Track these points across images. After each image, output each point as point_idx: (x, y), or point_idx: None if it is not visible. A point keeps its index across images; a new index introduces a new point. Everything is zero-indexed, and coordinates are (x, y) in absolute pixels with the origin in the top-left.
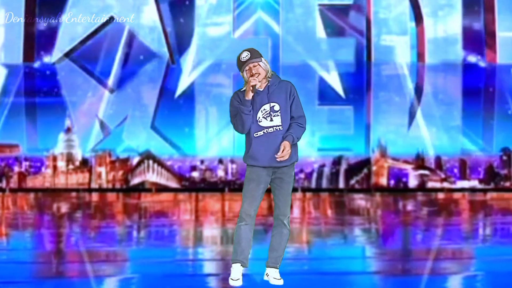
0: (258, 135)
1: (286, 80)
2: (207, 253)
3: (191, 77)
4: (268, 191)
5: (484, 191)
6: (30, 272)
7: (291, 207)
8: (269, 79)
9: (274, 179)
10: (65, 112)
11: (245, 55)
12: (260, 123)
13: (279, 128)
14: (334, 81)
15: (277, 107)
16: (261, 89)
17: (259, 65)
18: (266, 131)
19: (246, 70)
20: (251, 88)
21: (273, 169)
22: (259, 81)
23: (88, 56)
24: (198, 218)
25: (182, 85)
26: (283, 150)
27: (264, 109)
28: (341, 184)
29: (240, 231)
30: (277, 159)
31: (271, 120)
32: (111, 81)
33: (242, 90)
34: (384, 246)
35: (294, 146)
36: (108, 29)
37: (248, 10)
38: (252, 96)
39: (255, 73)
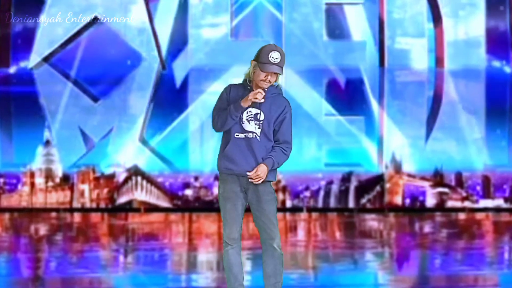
0: (239, 136)
1: (285, 98)
2: (202, 279)
3: (184, 84)
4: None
5: (510, 211)
6: None
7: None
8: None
9: (251, 199)
10: (44, 123)
11: (276, 57)
12: (243, 124)
13: (258, 138)
14: (343, 88)
15: (261, 117)
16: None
17: (277, 76)
18: (246, 135)
19: (262, 72)
20: (253, 100)
21: (246, 182)
22: (263, 94)
23: (69, 61)
24: (191, 241)
25: (174, 93)
26: (257, 170)
27: (250, 112)
28: (351, 203)
29: (228, 256)
30: (248, 177)
31: (252, 125)
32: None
33: (242, 84)
34: (399, 272)
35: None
36: (92, 31)
37: (249, 10)
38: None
39: (267, 81)
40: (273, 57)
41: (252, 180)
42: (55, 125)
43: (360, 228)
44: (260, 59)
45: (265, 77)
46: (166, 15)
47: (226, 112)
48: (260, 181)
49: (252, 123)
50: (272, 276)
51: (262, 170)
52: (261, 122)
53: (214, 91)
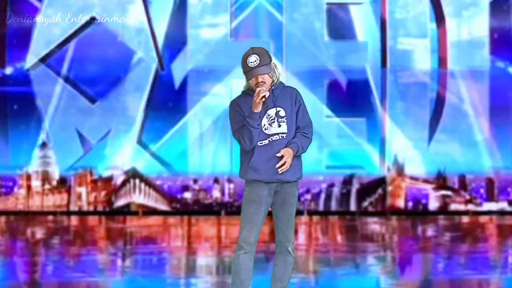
0: (263, 144)
1: (291, 86)
2: (201, 284)
3: (183, 85)
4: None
5: None
6: None
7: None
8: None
9: (276, 200)
10: (41, 124)
11: (254, 60)
12: (265, 131)
13: (284, 136)
14: (345, 89)
15: (282, 113)
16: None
17: (268, 75)
18: (271, 139)
19: (251, 80)
20: (262, 100)
21: (276, 186)
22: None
23: (66, 61)
24: (191, 245)
25: (173, 95)
26: (283, 157)
27: (269, 115)
28: (353, 207)
29: (239, 260)
30: (279, 171)
31: (279, 126)
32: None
33: (243, 94)
34: (401, 276)
35: (297, 160)
36: (89, 31)
37: (248, 9)
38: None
39: (261, 82)
40: (251, 62)
41: (282, 170)
42: (52, 127)
43: (362, 232)
44: (243, 69)
45: (255, 81)
46: (165, 15)
47: (246, 127)
48: (288, 167)
49: (276, 124)
50: (280, 281)
51: (287, 151)
52: (285, 117)
53: (213, 92)
